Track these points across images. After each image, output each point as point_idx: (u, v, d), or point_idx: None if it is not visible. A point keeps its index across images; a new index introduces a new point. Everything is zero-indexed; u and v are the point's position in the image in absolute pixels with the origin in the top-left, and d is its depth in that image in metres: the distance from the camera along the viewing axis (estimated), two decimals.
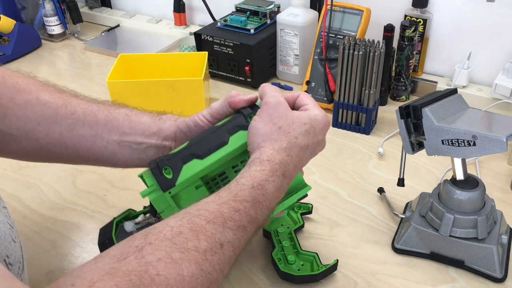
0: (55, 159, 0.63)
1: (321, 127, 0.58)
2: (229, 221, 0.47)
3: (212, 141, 0.57)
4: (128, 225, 0.60)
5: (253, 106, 0.60)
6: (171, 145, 0.62)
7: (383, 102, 1.04)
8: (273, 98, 0.57)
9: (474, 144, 0.60)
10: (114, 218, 0.62)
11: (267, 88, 0.59)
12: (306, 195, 0.61)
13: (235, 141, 0.57)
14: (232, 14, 1.15)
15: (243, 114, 0.58)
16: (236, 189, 0.50)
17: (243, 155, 0.59)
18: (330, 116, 0.99)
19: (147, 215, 0.61)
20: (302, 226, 0.72)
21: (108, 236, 0.59)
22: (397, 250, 0.69)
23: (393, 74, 1.05)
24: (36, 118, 0.59)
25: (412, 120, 0.65)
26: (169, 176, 0.56)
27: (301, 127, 0.56)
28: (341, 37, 0.99)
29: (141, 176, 0.59)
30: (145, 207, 0.64)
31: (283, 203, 0.59)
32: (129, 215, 0.62)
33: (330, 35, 1.00)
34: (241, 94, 0.61)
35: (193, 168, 0.56)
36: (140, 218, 0.61)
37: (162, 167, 0.56)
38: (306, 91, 1.03)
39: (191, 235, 0.43)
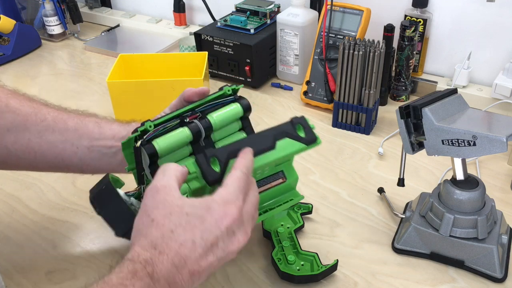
0: (23, 166, 0.63)
1: (215, 219, 0.47)
2: None
3: (261, 143, 0.56)
4: (120, 191, 0.59)
5: (301, 119, 0.58)
6: None
7: (383, 102, 1.04)
8: (153, 184, 0.49)
9: (474, 144, 0.60)
10: (108, 173, 0.60)
11: (160, 169, 0.51)
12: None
13: (282, 148, 0.57)
14: (232, 14, 1.15)
15: (291, 122, 0.58)
16: None
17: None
18: (329, 116, 1.00)
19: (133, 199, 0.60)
20: (302, 226, 0.72)
21: (106, 183, 0.57)
22: (397, 250, 0.69)
23: (393, 74, 1.05)
24: (5, 125, 0.60)
25: (412, 120, 0.65)
26: (217, 169, 0.52)
27: (180, 218, 0.46)
28: (341, 37, 0.99)
29: None
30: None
31: (268, 213, 0.60)
32: (118, 181, 0.61)
33: (330, 35, 1.00)
34: (194, 89, 0.61)
35: None
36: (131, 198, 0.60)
37: (210, 157, 0.53)
38: (306, 91, 1.03)
39: None
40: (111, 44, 1.37)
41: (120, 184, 0.62)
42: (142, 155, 0.56)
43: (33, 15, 1.43)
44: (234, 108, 0.61)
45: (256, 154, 0.55)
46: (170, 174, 0.50)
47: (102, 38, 1.40)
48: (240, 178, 0.50)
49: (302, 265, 0.65)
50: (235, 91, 0.63)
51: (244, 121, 0.64)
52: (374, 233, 0.73)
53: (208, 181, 0.52)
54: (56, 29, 1.39)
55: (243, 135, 0.64)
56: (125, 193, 0.60)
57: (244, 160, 0.52)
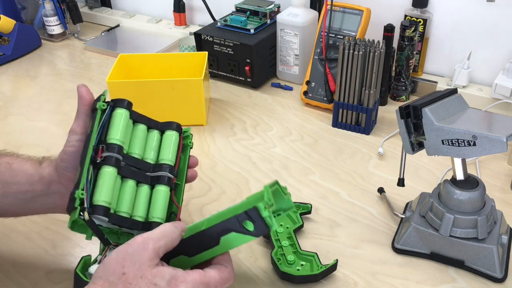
0: None
1: None
2: None
3: (202, 244, 0.55)
4: (93, 269, 0.57)
5: (252, 211, 0.53)
6: (60, 189, 0.61)
7: (383, 102, 1.04)
8: (147, 238, 0.50)
9: (474, 144, 0.60)
10: (75, 270, 0.57)
11: (163, 226, 0.53)
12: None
13: (227, 242, 0.54)
14: (232, 14, 1.15)
15: (237, 219, 0.53)
16: None
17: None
18: (329, 116, 1.00)
19: (99, 256, 0.59)
20: (302, 226, 0.72)
21: (83, 283, 0.55)
22: (397, 250, 0.69)
23: (393, 74, 1.05)
24: None
25: (412, 120, 0.65)
26: None
27: (149, 286, 0.48)
28: (341, 37, 0.99)
29: None
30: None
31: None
32: (86, 262, 0.59)
33: (330, 35, 1.00)
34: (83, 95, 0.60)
35: (181, 262, 0.55)
36: (98, 258, 0.59)
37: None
38: (306, 91, 1.03)
39: None
40: (111, 44, 1.37)
41: (89, 260, 0.59)
42: (96, 220, 0.55)
43: (33, 15, 1.43)
44: (122, 116, 0.61)
45: (198, 252, 0.55)
46: (166, 242, 0.51)
47: (102, 38, 1.40)
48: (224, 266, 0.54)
49: (302, 265, 0.65)
50: (104, 100, 0.61)
51: (132, 115, 0.63)
52: (374, 233, 0.73)
53: None
54: (56, 29, 1.39)
55: (141, 126, 0.64)
56: (98, 262, 0.58)
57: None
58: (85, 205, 0.54)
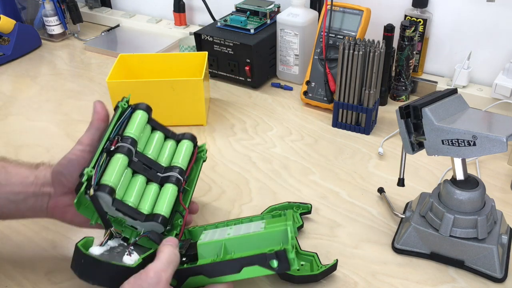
0: None
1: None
2: None
3: (225, 270, 0.57)
4: (95, 250, 0.58)
5: (280, 253, 0.54)
6: (50, 191, 0.62)
7: (383, 102, 1.04)
8: (156, 273, 0.53)
9: (474, 144, 0.60)
10: (77, 244, 0.58)
11: (165, 250, 0.56)
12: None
13: (247, 272, 0.56)
14: (232, 14, 1.15)
15: (265, 256, 0.55)
16: None
17: None
18: (329, 116, 1.00)
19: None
20: (302, 226, 0.72)
21: (81, 256, 0.57)
22: (397, 250, 0.69)
23: (393, 74, 1.05)
24: None
25: (412, 120, 0.65)
26: (173, 284, 0.57)
27: None
28: (341, 37, 0.99)
29: None
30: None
31: None
32: (88, 242, 0.59)
33: (330, 35, 1.00)
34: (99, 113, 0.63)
35: (198, 280, 0.58)
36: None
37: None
38: (306, 91, 1.03)
39: None
40: (111, 44, 1.37)
41: (91, 242, 0.60)
42: (100, 200, 0.57)
43: (33, 15, 1.43)
44: (140, 116, 0.66)
45: (218, 275, 0.57)
46: (173, 267, 0.55)
47: (102, 38, 1.40)
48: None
49: (302, 265, 0.65)
50: (128, 102, 0.67)
51: (151, 122, 0.69)
52: (374, 233, 0.73)
53: None
54: (56, 29, 1.39)
55: (158, 133, 0.70)
56: (100, 244, 0.59)
57: None
58: (92, 183, 0.57)
